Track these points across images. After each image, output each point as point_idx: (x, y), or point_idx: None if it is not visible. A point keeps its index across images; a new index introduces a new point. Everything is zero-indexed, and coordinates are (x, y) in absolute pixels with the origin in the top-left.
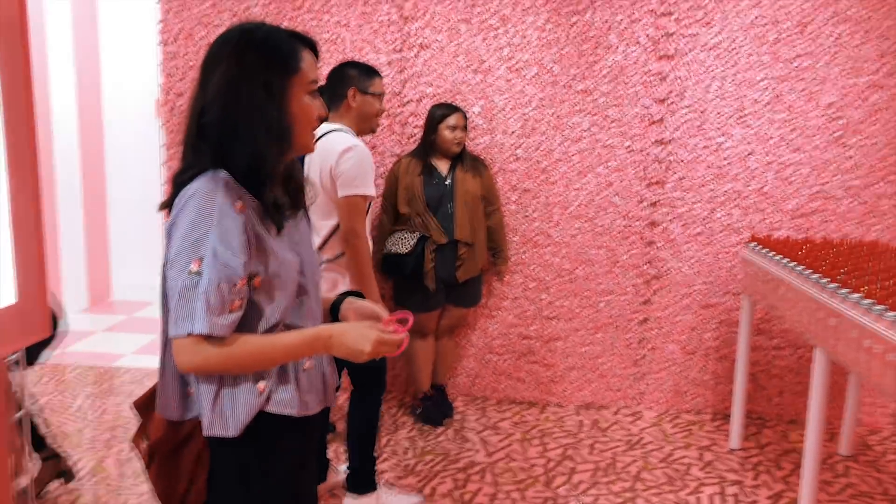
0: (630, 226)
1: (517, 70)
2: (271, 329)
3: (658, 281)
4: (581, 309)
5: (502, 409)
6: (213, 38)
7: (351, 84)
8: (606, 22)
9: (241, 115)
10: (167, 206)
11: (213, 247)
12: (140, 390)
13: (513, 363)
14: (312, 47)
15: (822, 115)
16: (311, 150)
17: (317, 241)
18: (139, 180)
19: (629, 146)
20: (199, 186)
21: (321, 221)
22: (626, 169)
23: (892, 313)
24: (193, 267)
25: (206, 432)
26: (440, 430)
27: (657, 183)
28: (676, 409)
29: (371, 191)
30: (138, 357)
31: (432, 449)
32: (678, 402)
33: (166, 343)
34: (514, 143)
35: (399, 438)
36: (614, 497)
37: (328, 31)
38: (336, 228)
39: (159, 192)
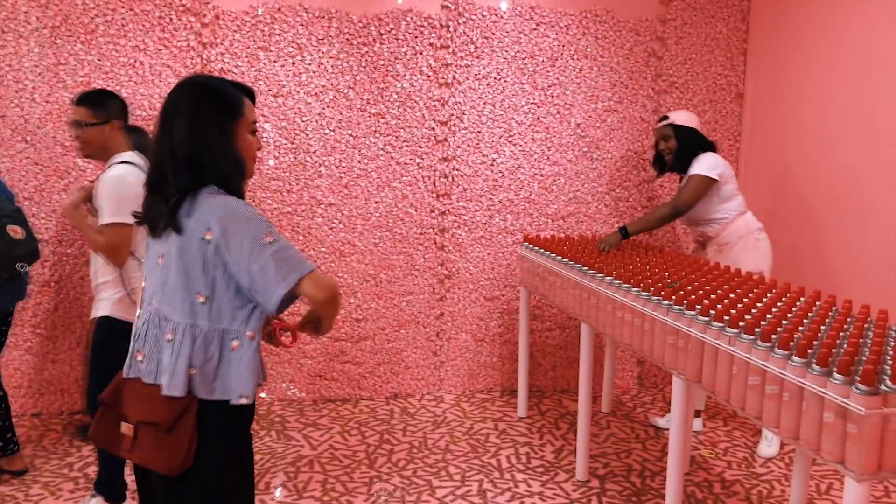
0: (424, 233)
1: (315, 94)
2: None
3: (450, 280)
4: (386, 309)
5: (319, 408)
6: None
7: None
8: (393, 53)
9: (205, 153)
10: (177, 229)
11: (270, 226)
12: None
13: (326, 364)
14: (250, 95)
15: (573, 134)
16: (252, 177)
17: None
18: None
19: (419, 163)
20: (222, 200)
21: None
22: (418, 183)
23: (635, 289)
24: (268, 239)
25: (251, 400)
26: (263, 432)
27: (444, 195)
28: (472, 390)
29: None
30: None
31: (259, 449)
32: (473, 384)
33: (184, 333)
34: (316, 161)
35: None
36: (429, 468)
37: (125, 56)
38: None
39: None
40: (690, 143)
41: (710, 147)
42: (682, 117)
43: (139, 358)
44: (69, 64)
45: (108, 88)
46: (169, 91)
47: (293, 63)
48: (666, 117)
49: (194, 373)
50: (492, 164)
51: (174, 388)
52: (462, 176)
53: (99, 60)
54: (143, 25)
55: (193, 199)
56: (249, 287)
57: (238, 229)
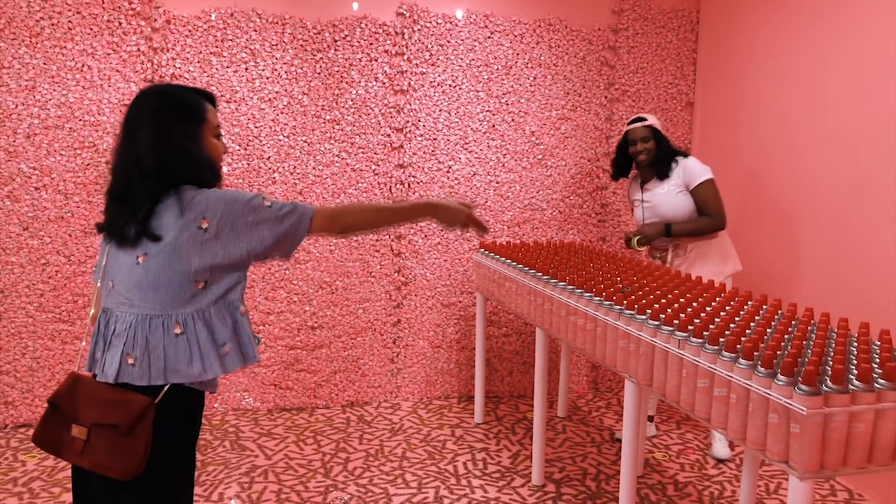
0: (380, 240)
1: (269, 100)
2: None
3: (406, 287)
4: (342, 317)
5: (274, 418)
6: None
7: None
8: (348, 59)
9: (174, 161)
10: (152, 237)
11: (260, 195)
12: None
13: (281, 373)
14: (211, 99)
15: (527, 142)
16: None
17: None
18: None
19: (375, 169)
20: (208, 192)
21: None
22: (374, 189)
23: (587, 294)
24: (266, 203)
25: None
26: (217, 443)
27: (401, 201)
28: (429, 397)
29: None
30: None
31: (213, 460)
32: (430, 390)
33: (195, 321)
34: (270, 167)
35: None
36: (386, 476)
37: (72, 60)
38: None
39: None
40: (670, 147)
41: (684, 152)
42: (654, 120)
43: (130, 361)
44: (13, 68)
45: (54, 92)
46: (129, 102)
47: (246, 69)
48: (642, 118)
49: (227, 349)
50: (448, 171)
51: (212, 370)
52: (418, 183)
53: (45, 64)
54: (91, 29)
55: (178, 196)
56: (271, 245)
57: (233, 209)
